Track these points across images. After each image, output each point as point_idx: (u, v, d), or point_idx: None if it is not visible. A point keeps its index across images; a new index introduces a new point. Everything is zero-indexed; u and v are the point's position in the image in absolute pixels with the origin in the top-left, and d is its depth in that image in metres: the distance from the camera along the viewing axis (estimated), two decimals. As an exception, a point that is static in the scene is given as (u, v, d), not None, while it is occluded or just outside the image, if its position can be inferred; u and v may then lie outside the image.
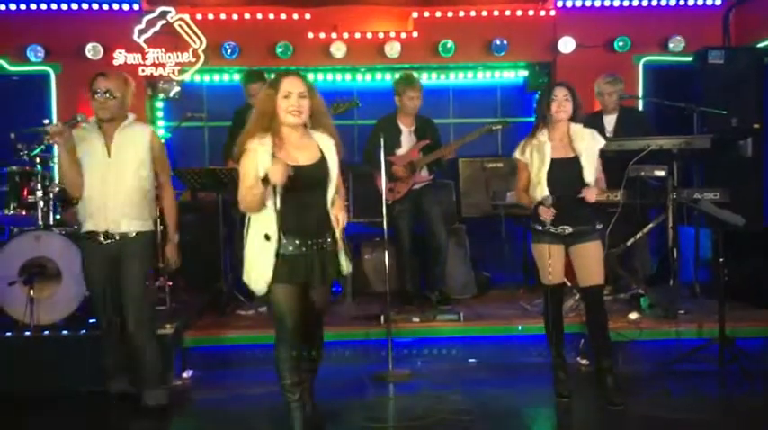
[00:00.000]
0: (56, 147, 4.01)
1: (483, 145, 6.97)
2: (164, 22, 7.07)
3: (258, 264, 3.50)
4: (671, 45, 7.35)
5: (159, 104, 7.66)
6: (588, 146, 4.32)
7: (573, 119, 4.35)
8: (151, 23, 7.05)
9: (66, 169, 4.07)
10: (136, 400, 4.21)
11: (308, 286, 3.60)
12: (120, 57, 7.02)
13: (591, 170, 4.28)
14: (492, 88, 7.88)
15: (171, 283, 5.68)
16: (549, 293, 4.42)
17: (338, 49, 7.20)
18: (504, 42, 7.33)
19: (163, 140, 4.39)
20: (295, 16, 7.31)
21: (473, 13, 7.43)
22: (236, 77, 7.36)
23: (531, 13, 7.49)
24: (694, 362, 4.88)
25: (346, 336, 5.27)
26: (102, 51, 7.06)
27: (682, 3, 7.50)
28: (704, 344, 4.94)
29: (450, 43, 7.31)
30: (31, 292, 4.94)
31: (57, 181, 5.37)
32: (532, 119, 7.41)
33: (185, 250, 4.58)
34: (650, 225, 5.75)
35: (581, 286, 4.40)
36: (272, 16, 7.32)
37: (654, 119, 6.56)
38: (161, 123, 7.66)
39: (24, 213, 5.50)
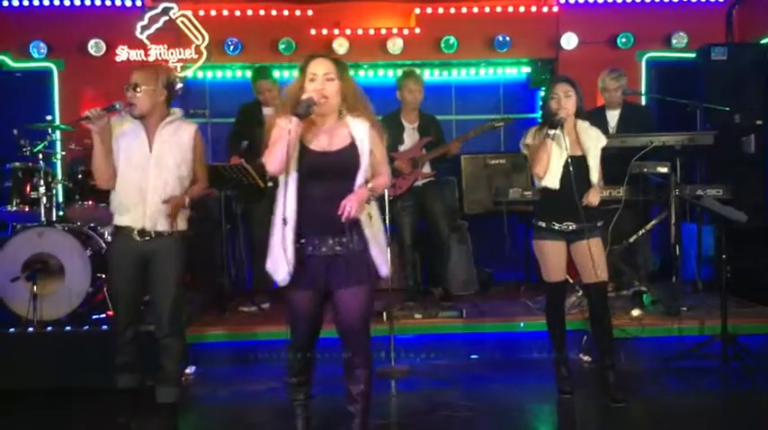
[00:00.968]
0: (92, 134, 3.79)
1: (485, 141, 6.96)
2: (166, 18, 7.05)
3: (274, 252, 3.25)
4: (674, 41, 7.32)
5: (162, 101, 7.64)
6: (594, 146, 4.31)
7: (578, 115, 4.33)
8: (154, 20, 7.03)
9: (98, 157, 3.85)
10: (140, 396, 4.14)
11: (329, 290, 3.32)
12: (122, 53, 7.00)
13: (596, 170, 4.29)
14: (494, 85, 7.85)
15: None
16: (552, 290, 4.42)
17: (340, 46, 7.17)
18: (507, 39, 7.30)
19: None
20: (297, 12, 7.29)
21: (476, 10, 7.40)
22: (239, 74, 7.38)
23: (533, 9, 7.46)
24: (696, 359, 4.87)
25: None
26: (104, 48, 7.04)
27: (685, -1, 7.49)
28: (706, 340, 4.94)
29: (452, 39, 7.28)
30: (34, 288, 4.96)
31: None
32: (535, 115, 7.46)
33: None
34: (653, 221, 5.75)
35: (585, 282, 4.39)
36: (274, 12, 7.30)
37: (657, 115, 6.54)
38: (163, 120, 7.64)
39: (27, 209, 5.53)
